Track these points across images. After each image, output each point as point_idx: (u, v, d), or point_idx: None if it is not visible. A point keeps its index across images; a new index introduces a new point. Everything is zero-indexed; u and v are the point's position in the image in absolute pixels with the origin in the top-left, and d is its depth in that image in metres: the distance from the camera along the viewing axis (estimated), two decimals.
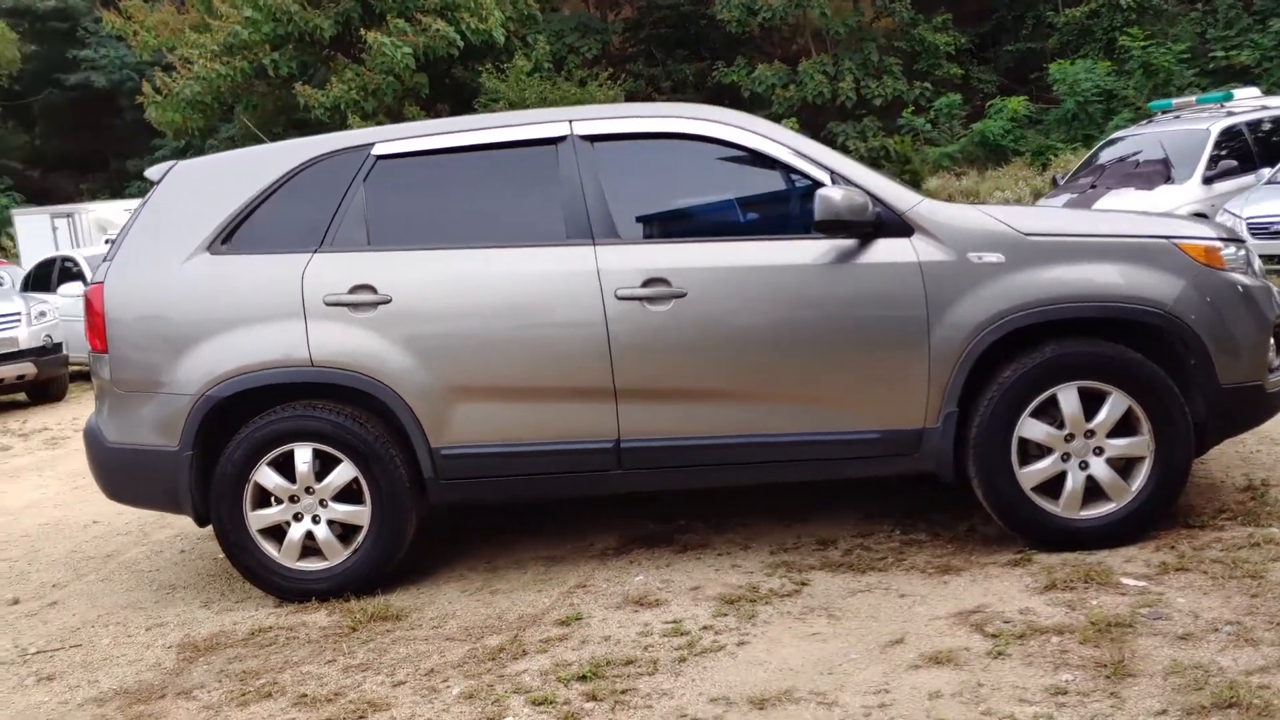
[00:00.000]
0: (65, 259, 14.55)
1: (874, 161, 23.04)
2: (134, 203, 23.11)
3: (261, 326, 4.26)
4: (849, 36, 25.21)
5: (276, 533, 4.36)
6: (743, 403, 4.13)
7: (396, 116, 26.27)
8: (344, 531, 4.34)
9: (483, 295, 4.20)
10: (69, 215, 22.98)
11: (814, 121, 25.24)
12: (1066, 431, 4.00)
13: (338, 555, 4.34)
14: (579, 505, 5.15)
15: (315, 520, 4.32)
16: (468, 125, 4.46)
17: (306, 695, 3.50)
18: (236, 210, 4.39)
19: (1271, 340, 4.11)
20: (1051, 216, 4.23)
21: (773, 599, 3.92)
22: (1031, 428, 4.00)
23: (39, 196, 34.78)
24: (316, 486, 4.29)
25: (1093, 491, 4.04)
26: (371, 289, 4.22)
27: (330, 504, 4.31)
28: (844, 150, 24.45)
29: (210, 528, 4.41)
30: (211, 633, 4.18)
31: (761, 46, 27.99)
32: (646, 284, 4.09)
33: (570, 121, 4.33)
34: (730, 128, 4.24)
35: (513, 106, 24.27)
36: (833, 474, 4.26)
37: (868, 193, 4.05)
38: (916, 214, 4.06)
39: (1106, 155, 13.50)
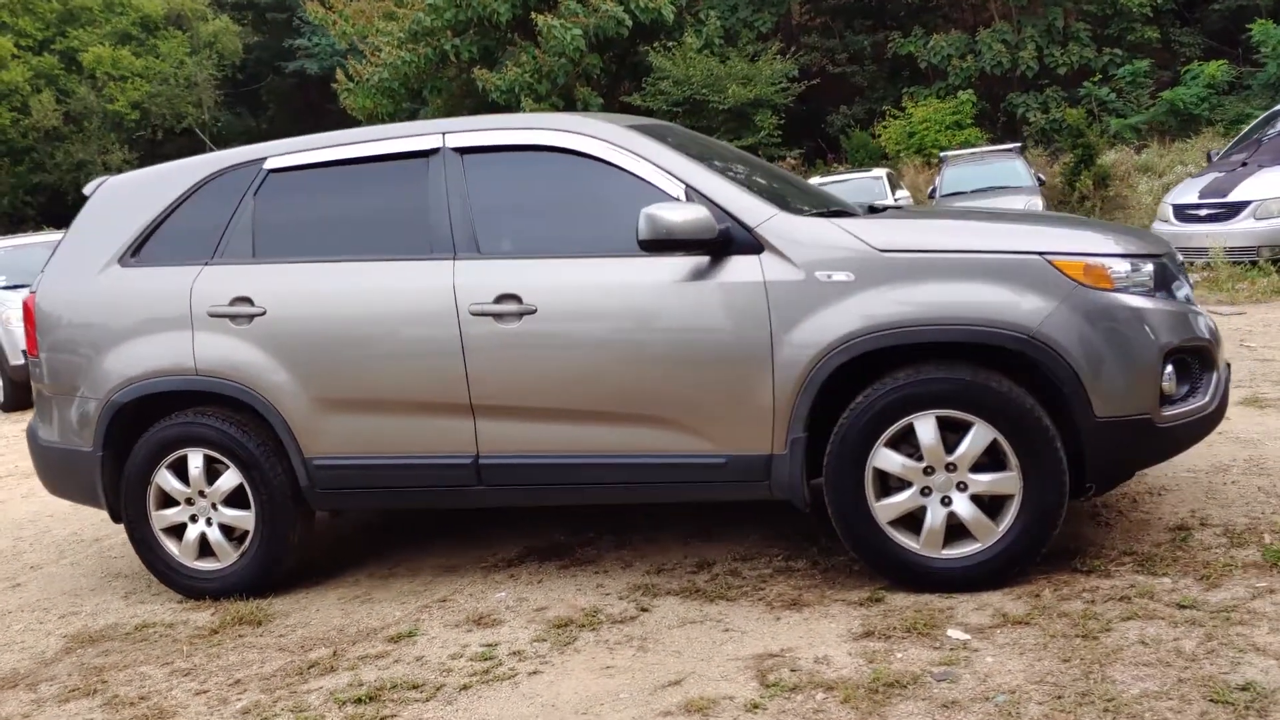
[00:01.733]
0: None
1: (1051, 134, 21.75)
2: None
3: (157, 335, 4.45)
4: (1032, 2, 23.79)
5: (179, 532, 4.56)
6: (593, 422, 4.01)
7: (569, 99, 26.74)
8: (235, 535, 4.50)
9: (348, 308, 4.24)
10: None
11: (992, 92, 24.08)
12: (925, 464, 3.69)
13: (228, 557, 4.50)
14: (506, 509, 5.15)
15: (209, 523, 4.50)
16: (352, 138, 4.48)
17: (118, 697, 3.66)
18: (145, 224, 4.60)
19: (1170, 369, 3.64)
20: (916, 229, 3.85)
21: (603, 625, 3.81)
22: (887, 459, 3.71)
23: None
24: (207, 490, 4.46)
25: (958, 529, 3.72)
26: (249, 301, 4.33)
27: (220, 508, 4.47)
28: (1023, 123, 23.24)
29: None
30: (107, 625, 4.43)
31: (948, 14, 26.81)
32: (499, 300, 4.03)
33: (443, 134, 4.30)
34: (588, 139, 4.10)
35: (678, 85, 24.26)
36: (685, 497, 4.10)
37: (720, 208, 3.85)
38: (766, 230, 3.81)
39: (1271, 130, 12.27)
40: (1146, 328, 3.58)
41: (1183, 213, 11.49)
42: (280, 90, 41.53)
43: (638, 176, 4.00)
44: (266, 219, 4.45)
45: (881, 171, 17.86)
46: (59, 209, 32.54)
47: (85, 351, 4.59)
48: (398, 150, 4.35)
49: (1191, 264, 11.02)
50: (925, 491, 3.72)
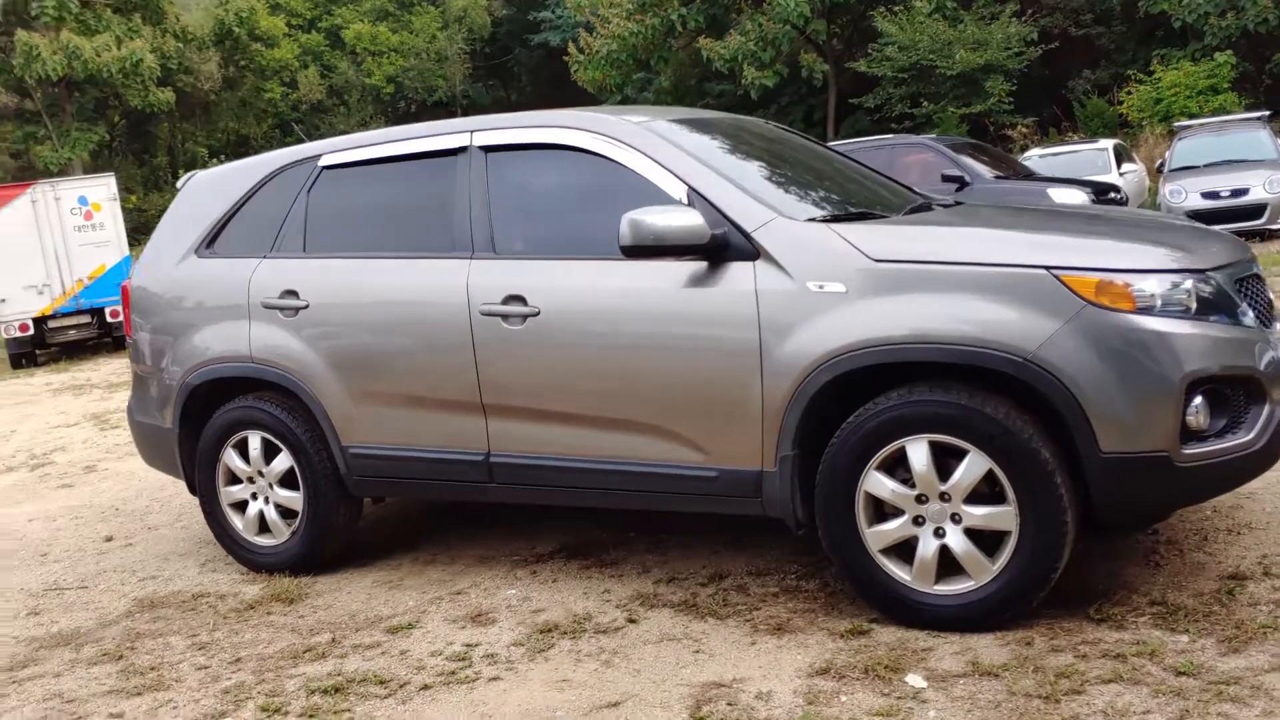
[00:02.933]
0: None
1: None
2: None
3: (222, 323, 4.72)
4: None
5: (242, 508, 4.85)
6: (595, 428, 3.95)
7: (793, 67, 26.29)
8: (288, 514, 4.74)
9: (377, 304, 4.35)
10: None
11: (1257, 53, 21.88)
12: (918, 492, 3.43)
13: (282, 535, 4.75)
14: None
15: (266, 501, 4.76)
16: (397, 135, 4.57)
17: (134, 665, 3.94)
18: (219, 217, 4.88)
19: (1199, 400, 3.21)
20: (919, 238, 3.50)
21: (585, 634, 3.77)
22: (878, 483, 3.47)
23: None
24: (265, 471, 4.72)
25: (953, 564, 3.44)
26: (295, 294, 4.52)
27: (275, 488, 4.71)
28: None
29: None
30: (171, 592, 4.77)
31: None
32: (506, 301, 4.02)
33: (472, 132, 4.32)
34: (598, 137, 4.01)
35: (903, 51, 23.39)
36: (682, 508, 3.97)
37: (719, 211, 3.69)
38: (761, 235, 3.62)
39: None
40: (1167, 353, 3.17)
41: None
42: (530, 62, 42.88)
43: (642, 177, 3.89)
44: (317, 214, 4.63)
45: (1108, 143, 16.59)
46: None
47: (167, 335, 4.93)
48: (433, 148, 4.40)
49: None
50: (918, 521, 3.46)
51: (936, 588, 3.46)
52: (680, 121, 4.24)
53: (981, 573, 3.39)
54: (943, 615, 3.45)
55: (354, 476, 4.51)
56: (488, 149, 4.26)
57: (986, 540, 3.38)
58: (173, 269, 4.95)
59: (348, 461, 4.49)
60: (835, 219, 3.73)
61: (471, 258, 4.16)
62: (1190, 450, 3.20)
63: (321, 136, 34.65)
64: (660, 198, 3.81)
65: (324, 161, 4.68)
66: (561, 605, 4.06)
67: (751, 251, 3.63)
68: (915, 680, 3.14)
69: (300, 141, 5.09)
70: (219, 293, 4.76)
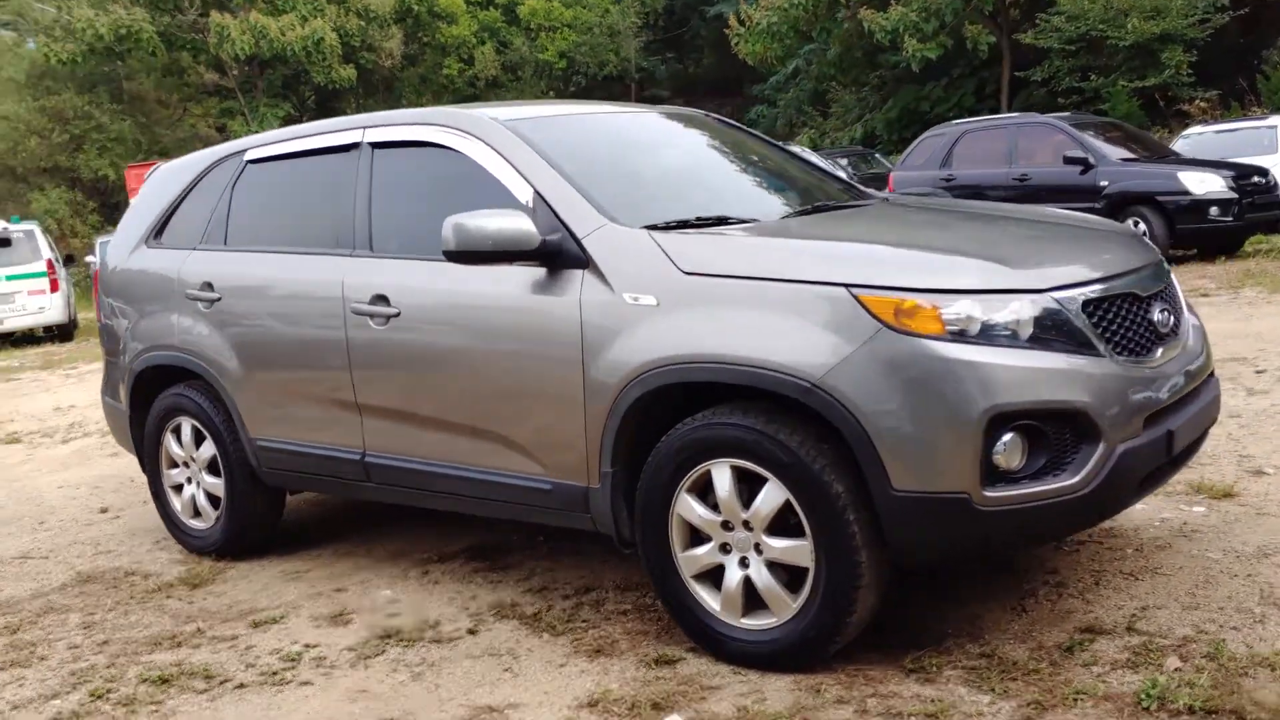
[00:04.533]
0: None
1: None
2: None
3: (159, 313, 4.89)
4: None
5: (180, 491, 5.01)
6: (451, 433, 3.88)
7: (958, 38, 25.15)
8: (216, 500, 4.87)
9: (275, 299, 4.41)
10: None
11: None
12: (723, 518, 3.23)
13: (209, 520, 4.89)
14: None
15: (197, 486, 4.91)
16: (309, 131, 4.59)
17: (20, 640, 4.13)
18: (165, 209, 5.04)
19: (1009, 437, 2.88)
20: (734, 250, 3.22)
21: (420, 642, 3.73)
22: (689, 507, 3.28)
23: None
24: (195, 457, 4.86)
25: (758, 597, 3.23)
26: (211, 286, 4.62)
27: (204, 474, 4.85)
28: None
29: None
30: (111, 568, 4.97)
31: None
32: (373, 301, 3.99)
33: (364, 129, 4.29)
34: (462, 135, 3.90)
35: (1072, 22, 22.06)
36: (527, 519, 3.86)
37: (557, 216, 3.55)
38: (590, 242, 3.46)
39: None
40: (967, 385, 2.85)
41: None
42: (710, 34, 42.58)
43: (493, 177, 3.78)
44: (238, 208, 4.71)
45: (1277, 120, 15.17)
46: None
47: (123, 321, 5.13)
48: (334, 144, 4.40)
49: None
50: (725, 549, 3.26)
51: (744, 621, 3.25)
52: (554, 118, 4.10)
53: (782, 609, 3.16)
54: (747, 651, 3.24)
55: (263, 468, 4.59)
56: (375, 146, 4.23)
57: (794, 575, 3.15)
58: (127, 258, 5.15)
59: (255, 453, 4.58)
60: (671, 227, 3.50)
61: (352, 255, 4.15)
62: (995, 493, 2.87)
63: None
64: (508, 199, 3.69)
65: (248, 156, 4.75)
66: (420, 610, 4.02)
67: (584, 259, 3.48)
68: None
69: None
70: (157, 283, 4.92)
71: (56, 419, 9.51)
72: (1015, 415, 2.87)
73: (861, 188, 4.56)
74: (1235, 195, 11.38)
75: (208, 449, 4.79)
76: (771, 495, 3.10)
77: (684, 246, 3.32)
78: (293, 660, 3.70)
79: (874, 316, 2.93)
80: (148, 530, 5.53)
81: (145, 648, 3.95)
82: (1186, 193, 11.47)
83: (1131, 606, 3.38)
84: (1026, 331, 2.95)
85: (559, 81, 39.78)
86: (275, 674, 3.61)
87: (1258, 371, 6.36)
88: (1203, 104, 21.36)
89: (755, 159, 4.50)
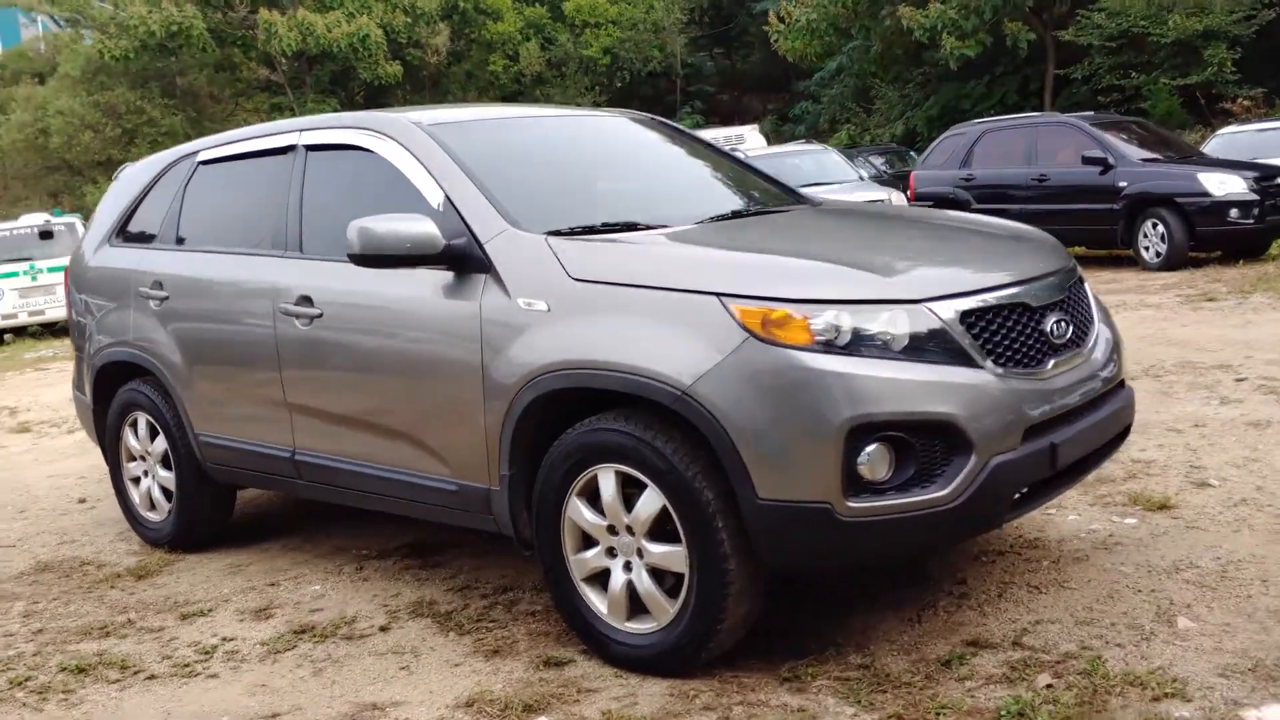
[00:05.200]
0: None
1: None
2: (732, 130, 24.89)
3: (115, 310, 5.00)
4: None
5: (139, 484, 5.13)
6: (368, 432, 3.95)
7: (998, 37, 24.81)
8: (169, 494, 4.98)
9: (215, 298, 4.49)
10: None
11: None
12: (608, 522, 3.25)
13: (163, 513, 5.00)
14: None
15: (153, 479, 5.02)
16: (254, 133, 4.68)
17: None
18: (125, 209, 5.16)
19: (873, 448, 2.86)
20: (621, 256, 3.24)
21: (332, 638, 3.80)
22: (578, 511, 3.31)
23: (728, 116, 38.62)
24: (150, 450, 4.98)
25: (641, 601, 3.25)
26: (160, 285, 4.73)
27: (158, 468, 4.97)
28: None
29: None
30: (69, 557, 5.11)
31: None
32: (298, 302, 4.07)
33: (300, 131, 4.37)
34: (382, 138, 3.96)
35: (1112, 18, 21.70)
36: (438, 519, 3.89)
37: (463, 220, 3.59)
38: (491, 247, 3.49)
39: None
40: (827, 395, 2.84)
41: None
42: (757, 31, 42.40)
43: (407, 180, 3.83)
44: (189, 208, 4.82)
45: None
46: None
47: (85, 318, 5.26)
48: (274, 146, 4.48)
49: None
50: (611, 553, 3.28)
51: (628, 625, 3.27)
52: (479, 122, 4.14)
53: (662, 614, 3.18)
54: (630, 655, 3.26)
55: (208, 463, 4.69)
56: (309, 148, 4.30)
57: (677, 580, 3.17)
58: (92, 256, 5.28)
59: (200, 449, 4.67)
60: (575, 233, 3.52)
61: (284, 256, 4.23)
62: (858, 503, 2.87)
63: None
64: (420, 202, 3.74)
65: (200, 157, 4.85)
66: (342, 606, 4.09)
67: (486, 264, 3.52)
68: None
69: None
70: (117, 280, 5.04)
71: (68, 410, 9.74)
72: (879, 426, 2.86)
73: (799, 193, 4.53)
74: (1256, 197, 11.12)
75: (160, 443, 4.90)
76: (650, 501, 3.12)
77: (576, 252, 3.34)
78: (207, 653, 3.79)
79: (742, 326, 2.94)
80: (115, 521, 5.66)
81: (75, 637, 4.05)
82: (1206, 194, 11.23)
83: (1026, 620, 3.35)
84: (901, 343, 2.94)
85: (603, 78, 39.85)
86: (187, 666, 3.70)
87: (1238, 380, 6.23)
88: (1246, 102, 20.92)
89: (686, 163, 4.51)
